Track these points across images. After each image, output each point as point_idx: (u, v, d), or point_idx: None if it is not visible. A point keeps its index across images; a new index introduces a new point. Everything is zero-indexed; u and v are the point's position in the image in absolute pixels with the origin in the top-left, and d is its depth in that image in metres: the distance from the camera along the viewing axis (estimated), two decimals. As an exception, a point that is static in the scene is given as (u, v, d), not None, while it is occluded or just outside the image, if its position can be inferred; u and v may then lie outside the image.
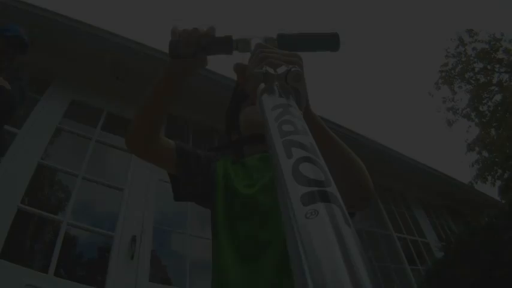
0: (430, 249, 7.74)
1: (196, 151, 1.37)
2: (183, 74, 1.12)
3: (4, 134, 2.81)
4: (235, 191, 1.24)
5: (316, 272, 0.29)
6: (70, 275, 4.06)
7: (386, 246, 7.18)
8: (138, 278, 3.91)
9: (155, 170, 4.69)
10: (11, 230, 3.65)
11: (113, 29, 5.21)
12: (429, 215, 8.82)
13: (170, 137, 1.34)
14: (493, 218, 5.98)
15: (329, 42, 1.00)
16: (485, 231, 5.41)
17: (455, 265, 5.36)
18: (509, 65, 13.80)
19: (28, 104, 4.63)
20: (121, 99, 5.30)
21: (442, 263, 5.83)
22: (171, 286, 4.60)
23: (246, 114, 1.42)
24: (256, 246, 1.11)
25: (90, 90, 5.27)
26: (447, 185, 9.07)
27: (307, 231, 0.32)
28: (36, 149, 4.32)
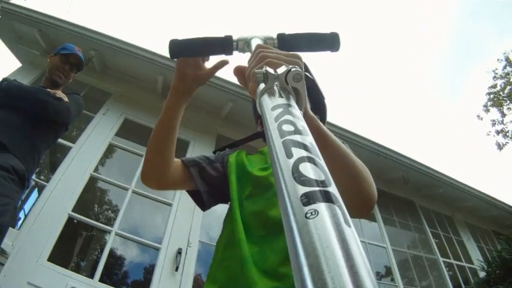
0: (477, 275, 7.40)
1: (205, 156, 1.42)
2: (186, 93, 1.18)
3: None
4: (249, 174, 1.29)
5: (316, 272, 0.29)
6: (114, 283, 4.11)
7: (432, 271, 6.91)
8: (181, 290, 3.90)
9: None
10: (61, 236, 3.76)
11: (164, 52, 5.39)
12: (477, 240, 8.46)
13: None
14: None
15: (329, 42, 1.00)
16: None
17: (497, 282, 5.17)
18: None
19: (83, 120, 4.87)
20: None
21: (484, 282, 5.65)
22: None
23: None
24: (268, 222, 1.13)
25: (143, 110, 5.45)
26: (497, 210, 8.69)
27: (307, 231, 0.32)
28: (89, 162, 4.49)
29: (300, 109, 0.63)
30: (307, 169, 0.40)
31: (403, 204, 7.29)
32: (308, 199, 0.35)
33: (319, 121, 0.90)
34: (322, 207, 0.34)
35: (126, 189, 4.54)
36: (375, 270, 5.90)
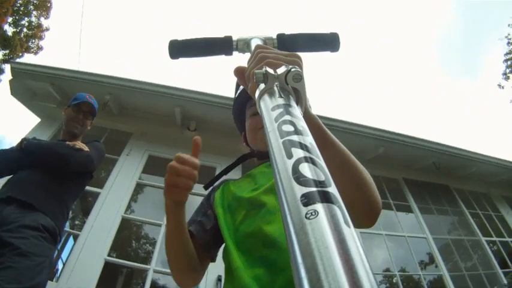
0: None
1: (199, 208, 1.43)
2: (183, 203, 1.14)
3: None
4: (240, 199, 1.25)
5: (315, 273, 0.28)
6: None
7: (475, 251, 6.68)
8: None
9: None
10: (100, 282, 3.77)
11: (175, 82, 5.45)
12: None
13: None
14: None
15: (329, 42, 1.02)
16: None
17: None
18: None
19: (109, 163, 4.91)
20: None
21: None
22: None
23: (252, 133, 1.42)
24: (266, 240, 1.07)
25: (165, 144, 5.52)
26: None
27: (307, 231, 0.32)
28: (119, 204, 4.55)
29: (300, 109, 0.64)
30: (307, 169, 0.40)
31: (437, 190, 7.14)
32: (308, 200, 0.36)
33: (320, 121, 0.88)
34: (322, 207, 0.34)
35: (159, 225, 4.53)
36: (417, 259, 5.75)
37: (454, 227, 6.98)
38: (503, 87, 14.59)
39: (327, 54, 1.03)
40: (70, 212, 2.82)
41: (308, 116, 0.81)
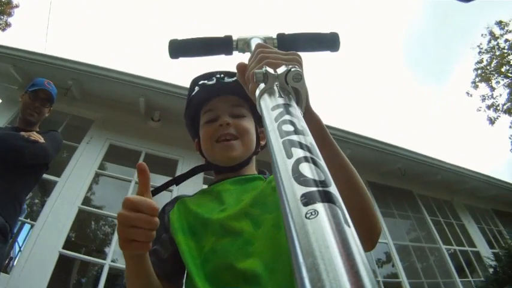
0: (481, 258, 7.40)
1: (157, 236, 1.05)
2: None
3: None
4: (207, 221, 1.07)
5: (316, 272, 0.28)
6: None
7: (435, 259, 6.82)
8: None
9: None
10: (54, 276, 3.70)
11: (141, 72, 5.36)
12: (477, 222, 8.41)
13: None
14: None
15: (329, 42, 1.01)
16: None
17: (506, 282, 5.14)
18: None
19: (68, 151, 4.80)
20: (157, 139, 5.44)
21: (493, 281, 5.62)
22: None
23: (208, 144, 1.24)
24: (238, 277, 0.95)
25: (127, 134, 5.41)
26: (495, 189, 8.62)
27: (307, 231, 0.32)
28: (77, 195, 4.41)
29: (300, 109, 0.63)
30: (307, 169, 0.40)
31: (401, 195, 7.24)
32: (308, 199, 0.35)
33: (320, 119, 0.86)
34: (322, 207, 0.34)
35: (116, 218, 4.45)
36: (377, 265, 5.87)
37: (415, 234, 7.08)
38: (471, 95, 15.00)
39: (326, 54, 1.03)
40: (23, 206, 2.73)
41: (309, 114, 0.80)
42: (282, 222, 0.89)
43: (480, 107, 14.81)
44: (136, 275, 0.95)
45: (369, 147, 6.35)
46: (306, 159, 0.42)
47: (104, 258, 4.11)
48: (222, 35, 1.00)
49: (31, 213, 4.54)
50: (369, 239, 0.89)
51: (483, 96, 14.69)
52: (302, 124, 0.51)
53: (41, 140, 2.66)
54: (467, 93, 14.81)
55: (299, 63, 0.74)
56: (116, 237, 4.22)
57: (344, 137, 6.07)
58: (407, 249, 6.52)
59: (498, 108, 14.36)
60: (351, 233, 0.32)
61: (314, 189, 0.37)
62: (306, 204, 0.35)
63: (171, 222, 1.13)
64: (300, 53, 0.77)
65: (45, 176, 4.21)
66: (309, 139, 0.47)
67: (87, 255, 4.29)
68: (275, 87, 0.62)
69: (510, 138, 13.85)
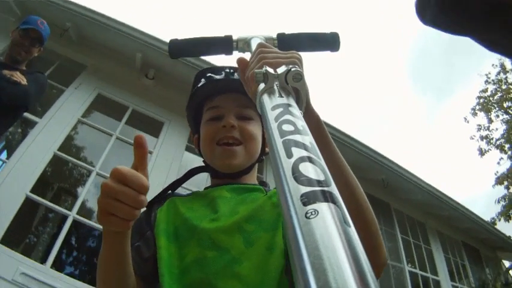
0: (440, 287, 7.46)
1: (138, 222, 1.05)
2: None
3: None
4: (195, 228, 0.97)
5: (318, 271, 0.28)
6: (68, 270, 4.04)
7: (395, 278, 6.88)
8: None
9: (174, 168, 4.69)
10: (16, 218, 3.65)
11: (142, 27, 5.24)
12: (445, 251, 8.45)
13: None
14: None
15: (329, 42, 1.01)
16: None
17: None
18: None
19: (54, 93, 4.70)
20: (147, 98, 5.33)
21: None
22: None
23: (209, 146, 1.16)
24: None
25: (118, 86, 5.26)
26: (470, 222, 8.72)
27: (308, 230, 0.32)
28: (54, 139, 4.31)
29: (300, 109, 0.63)
30: (307, 169, 0.41)
31: (378, 206, 7.18)
32: (308, 199, 0.36)
33: (319, 117, 0.84)
34: (322, 207, 0.34)
35: (90, 171, 4.42)
36: None
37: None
38: (468, 122, 14.95)
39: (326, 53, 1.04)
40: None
41: (309, 112, 0.79)
42: (276, 244, 0.89)
43: (474, 136, 14.74)
44: (111, 258, 0.86)
45: (357, 151, 6.30)
46: (306, 158, 0.43)
47: (70, 209, 4.06)
48: (222, 35, 1.01)
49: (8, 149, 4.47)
50: (373, 265, 0.80)
51: (479, 126, 14.64)
52: (302, 124, 0.52)
53: (24, 81, 2.58)
54: (465, 118, 14.79)
55: (299, 62, 0.74)
56: (85, 190, 4.18)
57: (333, 134, 5.94)
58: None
59: (491, 141, 14.35)
60: (351, 233, 0.32)
61: (314, 189, 0.37)
62: (306, 203, 0.35)
63: (157, 221, 1.04)
64: (300, 53, 0.78)
65: (25, 114, 4.18)
66: (309, 139, 0.48)
67: (54, 203, 4.22)
68: (275, 87, 0.63)
69: (495, 174, 13.79)
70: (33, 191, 3.88)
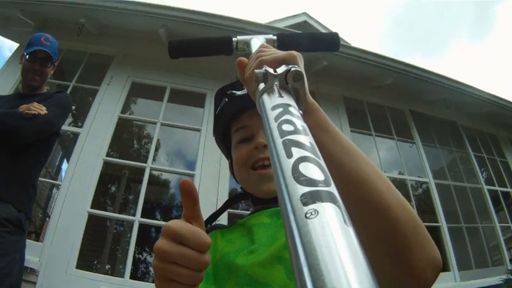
0: None
1: None
2: None
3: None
4: (230, 266, 0.88)
5: (316, 272, 0.27)
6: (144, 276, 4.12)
7: (475, 200, 6.41)
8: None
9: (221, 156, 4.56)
10: (85, 238, 3.72)
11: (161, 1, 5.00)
12: None
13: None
14: None
15: (329, 42, 1.01)
16: None
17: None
18: None
19: (88, 95, 4.61)
20: (183, 72, 5.16)
21: None
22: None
23: (242, 171, 1.06)
24: None
25: (150, 68, 5.12)
26: None
27: (307, 231, 0.31)
28: (100, 146, 4.26)
29: (300, 109, 0.60)
30: (307, 169, 0.40)
31: (445, 127, 6.79)
32: (308, 199, 0.35)
33: (323, 114, 0.74)
34: (322, 207, 0.33)
35: (143, 168, 4.37)
36: (415, 203, 5.63)
37: (457, 173, 6.67)
38: None
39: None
40: (37, 187, 2.61)
41: (310, 109, 0.72)
42: None
43: None
44: None
45: (413, 76, 5.90)
46: (306, 158, 0.42)
47: (134, 215, 4.06)
48: (222, 35, 1.01)
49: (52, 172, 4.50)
50: (404, 269, 0.60)
51: None
52: (302, 124, 0.51)
53: (43, 111, 2.42)
54: None
55: (299, 61, 0.71)
56: (143, 192, 4.12)
57: (387, 64, 5.65)
58: (448, 186, 6.17)
59: None
60: (351, 233, 0.31)
61: (314, 188, 0.36)
62: (305, 204, 0.34)
63: None
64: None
65: (66, 128, 4.13)
66: (309, 139, 0.47)
67: (117, 212, 4.26)
68: (275, 87, 0.62)
69: None
70: (93, 206, 3.91)
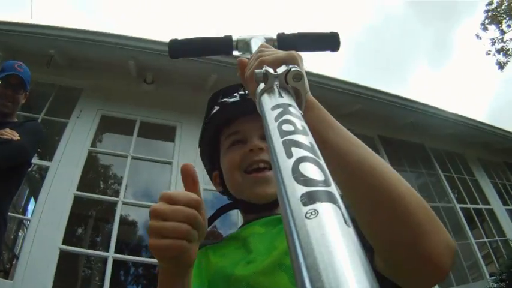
0: (494, 215, 7.24)
1: None
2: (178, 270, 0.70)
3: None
4: (229, 279, 0.85)
5: (316, 272, 0.27)
6: None
7: (449, 219, 6.48)
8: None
9: (199, 173, 4.52)
10: (57, 272, 3.60)
11: (127, 32, 5.00)
12: (490, 177, 8.11)
13: None
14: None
15: (329, 42, 1.01)
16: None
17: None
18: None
19: (58, 128, 4.52)
20: (153, 104, 5.13)
21: None
22: None
23: (235, 176, 1.02)
24: None
25: (119, 101, 5.08)
26: (508, 142, 8.27)
27: (307, 231, 0.31)
28: (70, 180, 4.17)
29: (300, 109, 0.60)
30: (307, 169, 0.39)
31: (413, 150, 6.98)
32: (308, 199, 0.35)
33: (325, 112, 0.73)
34: (321, 207, 0.33)
35: (115, 202, 4.28)
36: None
37: (429, 193, 6.80)
38: (480, 38, 14.25)
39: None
40: (7, 216, 2.51)
41: (312, 106, 0.72)
42: None
43: (489, 51, 13.94)
44: None
45: (380, 101, 6.06)
46: (306, 159, 0.41)
47: (107, 250, 3.95)
48: (222, 35, 1.00)
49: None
50: (417, 257, 0.58)
51: (493, 39, 13.85)
52: (302, 124, 0.50)
53: (15, 136, 2.38)
54: (477, 35, 14.12)
55: (299, 61, 0.71)
56: (116, 224, 4.05)
57: (354, 90, 5.80)
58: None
59: (508, 52, 13.66)
60: (351, 233, 0.31)
61: (314, 189, 0.36)
62: (305, 204, 0.34)
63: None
64: (300, 53, 0.75)
65: (36, 161, 4.01)
66: (309, 138, 0.46)
67: (89, 248, 4.13)
68: (275, 87, 0.61)
69: None
70: (64, 242, 3.78)
